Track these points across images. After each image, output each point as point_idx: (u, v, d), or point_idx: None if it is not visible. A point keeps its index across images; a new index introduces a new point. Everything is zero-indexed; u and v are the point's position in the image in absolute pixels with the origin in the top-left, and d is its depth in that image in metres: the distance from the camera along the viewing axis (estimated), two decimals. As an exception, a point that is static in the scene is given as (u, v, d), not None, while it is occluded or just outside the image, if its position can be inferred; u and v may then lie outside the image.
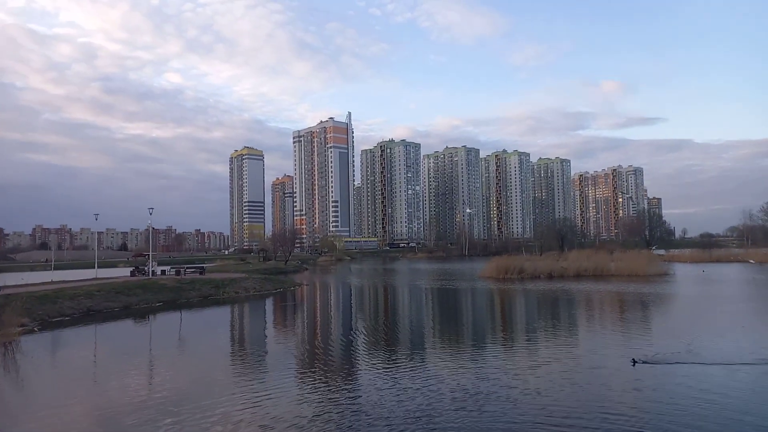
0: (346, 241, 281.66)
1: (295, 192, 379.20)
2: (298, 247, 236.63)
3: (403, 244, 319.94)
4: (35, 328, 42.86)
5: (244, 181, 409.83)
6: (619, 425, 17.85)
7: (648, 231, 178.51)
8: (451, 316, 50.67)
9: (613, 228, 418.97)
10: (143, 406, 21.45)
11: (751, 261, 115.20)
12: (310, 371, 27.54)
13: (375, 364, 28.96)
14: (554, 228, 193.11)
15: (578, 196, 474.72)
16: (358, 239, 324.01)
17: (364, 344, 36.44)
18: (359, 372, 27.64)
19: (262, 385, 24.92)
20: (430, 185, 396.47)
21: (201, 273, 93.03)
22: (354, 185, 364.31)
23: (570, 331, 39.07)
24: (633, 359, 25.83)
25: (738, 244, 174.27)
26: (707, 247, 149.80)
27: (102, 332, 45.91)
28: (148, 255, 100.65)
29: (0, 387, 26.78)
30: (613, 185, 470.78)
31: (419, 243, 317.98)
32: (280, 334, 42.73)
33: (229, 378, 27.07)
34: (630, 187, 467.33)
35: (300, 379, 26.22)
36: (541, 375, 25.02)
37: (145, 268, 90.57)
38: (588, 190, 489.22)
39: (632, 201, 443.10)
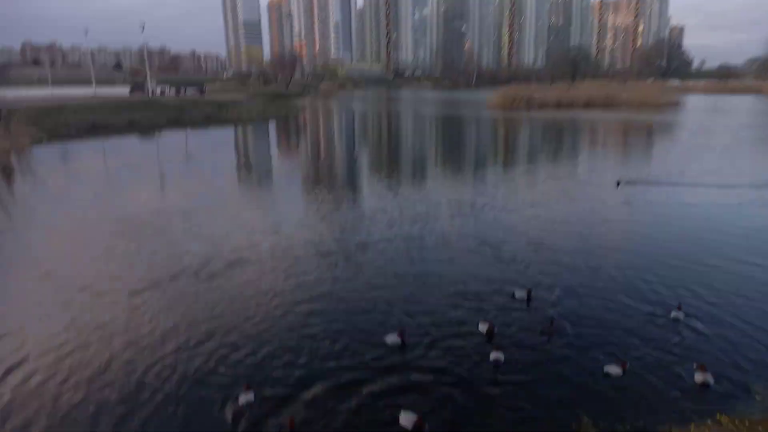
0: (348, 68, 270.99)
1: (293, 13, 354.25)
2: (298, 72, 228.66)
3: (408, 73, 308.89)
4: (44, 140, 43.52)
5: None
6: (592, 234, 18.92)
7: (666, 61, 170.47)
8: (454, 143, 50.80)
9: (630, 59, 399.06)
10: (158, 213, 22.40)
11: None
12: (316, 187, 28.32)
13: (378, 182, 29.73)
14: (568, 56, 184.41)
15: (596, 24, 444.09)
16: (362, 66, 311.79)
17: (367, 166, 37.06)
18: (362, 188, 28.48)
19: (270, 196, 25.84)
20: (438, 10, 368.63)
21: (201, 93, 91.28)
22: (356, 6, 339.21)
23: (566, 157, 39.45)
24: (617, 180, 26.40)
25: (756, 76, 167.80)
26: (724, 77, 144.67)
27: (110, 146, 46.50)
28: (146, 74, 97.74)
29: (21, 192, 27.74)
30: (635, 11, 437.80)
31: (425, 72, 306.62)
32: (286, 155, 43.29)
33: (237, 191, 27.98)
34: (653, 15, 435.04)
35: (305, 192, 27.14)
36: (534, 192, 25.91)
37: (145, 86, 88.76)
38: (608, 16, 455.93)
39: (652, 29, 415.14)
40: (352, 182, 30.95)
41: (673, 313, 12.09)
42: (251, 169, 35.47)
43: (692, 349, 10.71)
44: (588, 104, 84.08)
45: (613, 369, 9.72)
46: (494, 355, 10.24)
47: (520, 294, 13.19)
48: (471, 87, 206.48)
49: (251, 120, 68.08)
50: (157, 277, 14.97)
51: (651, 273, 14.84)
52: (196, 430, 8.53)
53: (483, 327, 11.36)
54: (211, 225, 20.37)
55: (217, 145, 49.19)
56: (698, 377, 9.47)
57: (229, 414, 8.81)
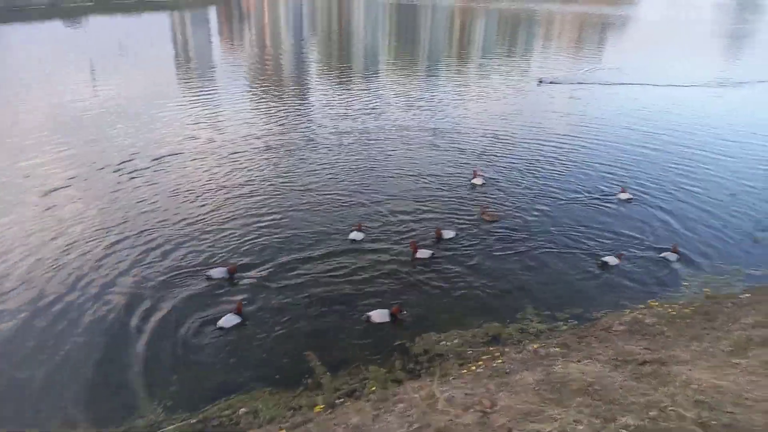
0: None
1: None
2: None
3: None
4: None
5: None
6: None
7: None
8: (409, 34, 48.82)
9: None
10: (94, 109, 21.00)
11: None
12: (261, 80, 26.95)
13: (328, 75, 28.63)
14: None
15: None
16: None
17: (317, 58, 35.41)
18: (311, 81, 27.40)
19: (212, 90, 24.46)
20: None
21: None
22: None
23: (516, 53, 38.94)
24: (539, 79, 26.50)
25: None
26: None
27: (33, 33, 42.11)
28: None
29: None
30: None
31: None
32: (228, 47, 40.52)
33: (176, 84, 26.30)
34: None
35: (250, 91, 25.62)
36: (471, 89, 25.94)
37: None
38: None
39: None
40: (301, 75, 29.69)
41: (622, 196, 13.40)
42: (190, 61, 33.21)
43: (629, 236, 11.58)
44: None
45: (611, 259, 10.63)
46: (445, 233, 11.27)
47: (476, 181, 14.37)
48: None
49: (188, 5, 62.61)
50: (86, 172, 14.52)
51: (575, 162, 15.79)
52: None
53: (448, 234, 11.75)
54: (147, 119, 19.56)
55: (152, 34, 45.36)
56: (671, 256, 10.77)
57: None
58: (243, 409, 7.02)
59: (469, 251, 11.06)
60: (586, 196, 13.77)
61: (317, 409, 6.63)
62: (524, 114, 21.48)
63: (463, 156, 16.67)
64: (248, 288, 9.69)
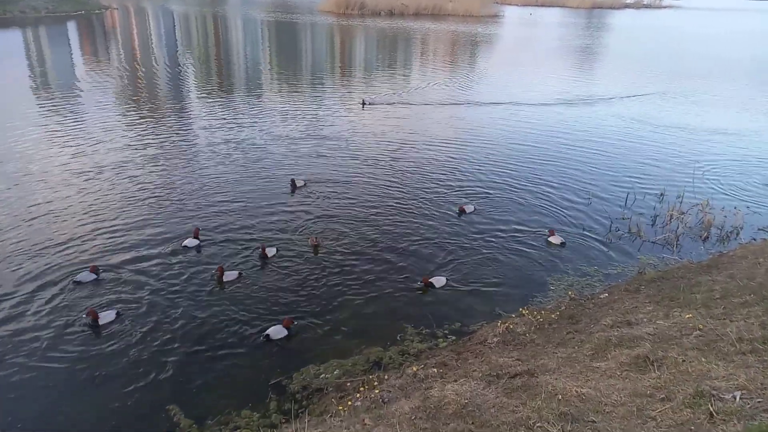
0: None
1: None
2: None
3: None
4: None
5: None
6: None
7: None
8: (289, 54, 48.25)
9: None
10: None
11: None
12: (132, 108, 24.92)
13: (206, 100, 27.27)
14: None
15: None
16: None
17: (192, 76, 33.69)
18: (184, 102, 25.92)
19: (77, 122, 22.11)
20: None
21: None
22: None
23: (381, 72, 40.14)
24: (363, 101, 25.86)
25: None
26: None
27: None
28: None
29: None
30: None
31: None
32: (93, 67, 37.07)
33: (36, 112, 23.42)
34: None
35: (121, 115, 23.55)
36: (326, 113, 26.16)
37: None
38: None
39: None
40: (175, 91, 28.07)
41: (469, 207, 13.89)
42: (52, 88, 29.82)
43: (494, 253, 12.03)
44: (417, 13, 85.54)
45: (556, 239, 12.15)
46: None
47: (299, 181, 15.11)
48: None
49: (42, 20, 57.02)
50: None
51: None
52: None
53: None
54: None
55: (2, 53, 40.47)
56: (554, 239, 12.18)
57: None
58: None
59: (337, 272, 10.82)
60: (426, 208, 14.13)
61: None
62: (347, 133, 21.22)
63: (283, 170, 16.73)
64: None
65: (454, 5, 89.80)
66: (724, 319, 7.43)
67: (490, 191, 15.53)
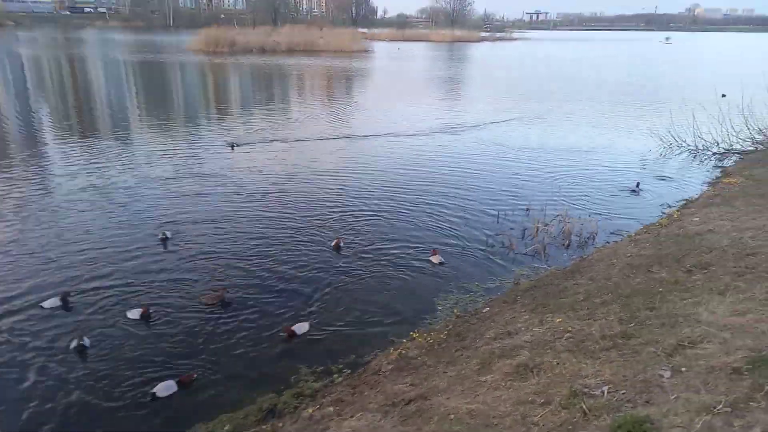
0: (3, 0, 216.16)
1: None
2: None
3: (89, 8, 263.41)
4: None
5: None
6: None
7: (354, 8, 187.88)
8: (157, 94, 46.10)
9: (324, 4, 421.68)
10: None
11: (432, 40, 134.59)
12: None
13: (65, 145, 25.09)
14: (268, 0, 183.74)
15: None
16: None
17: (48, 125, 30.80)
18: (43, 154, 23.63)
19: None
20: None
21: None
22: None
23: (261, 110, 40.10)
24: (232, 144, 24.88)
25: (425, 25, 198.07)
26: (402, 27, 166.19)
27: None
28: None
29: None
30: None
31: (111, 9, 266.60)
32: None
33: None
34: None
35: None
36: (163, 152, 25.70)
37: None
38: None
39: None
40: (28, 142, 25.47)
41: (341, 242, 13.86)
42: None
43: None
44: (290, 50, 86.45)
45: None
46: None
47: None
48: (168, 28, 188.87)
49: None
50: None
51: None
52: None
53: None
54: None
55: None
56: (435, 259, 12.83)
57: None
58: None
59: (217, 317, 10.37)
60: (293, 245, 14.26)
61: None
62: (221, 171, 20.71)
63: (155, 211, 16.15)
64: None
65: (325, 41, 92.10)
66: (589, 319, 8.18)
67: (368, 219, 15.84)
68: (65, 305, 10.58)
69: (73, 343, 9.21)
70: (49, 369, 8.78)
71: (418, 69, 70.80)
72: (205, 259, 13.03)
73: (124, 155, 23.20)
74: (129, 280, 11.81)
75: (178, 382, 8.30)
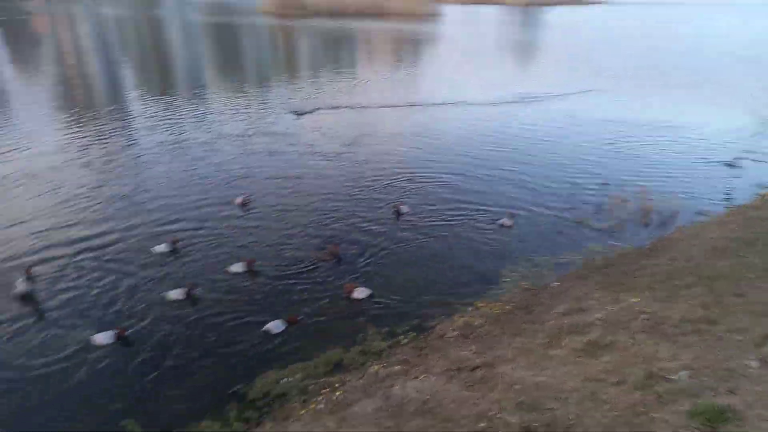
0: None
1: None
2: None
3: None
4: None
5: None
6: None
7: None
8: (230, 57, 47.24)
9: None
10: None
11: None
12: (70, 117, 23.69)
13: (147, 105, 26.33)
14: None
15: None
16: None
17: (130, 80, 32.45)
18: (129, 113, 24.92)
19: (13, 131, 20.84)
20: None
21: None
22: None
23: (330, 73, 40.07)
24: (297, 112, 24.50)
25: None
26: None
27: None
28: None
29: None
30: None
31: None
32: (23, 74, 35.19)
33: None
34: None
35: (59, 126, 22.29)
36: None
37: None
38: None
39: None
40: (114, 96, 26.98)
41: (402, 208, 13.69)
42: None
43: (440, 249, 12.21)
44: (359, 12, 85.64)
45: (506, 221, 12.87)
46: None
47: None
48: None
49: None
50: None
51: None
52: None
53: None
54: None
55: None
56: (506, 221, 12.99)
57: None
58: None
59: (291, 275, 10.70)
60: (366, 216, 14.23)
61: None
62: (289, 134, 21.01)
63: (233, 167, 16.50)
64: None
65: (394, 4, 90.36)
66: (668, 301, 7.82)
67: (434, 185, 15.77)
68: (174, 251, 11.40)
69: (179, 294, 9.86)
70: (167, 311, 9.50)
71: (490, 34, 68.34)
72: (276, 216, 13.48)
73: (198, 112, 24.16)
74: (218, 231, 12.48)
75: (286, 322, 8.98)
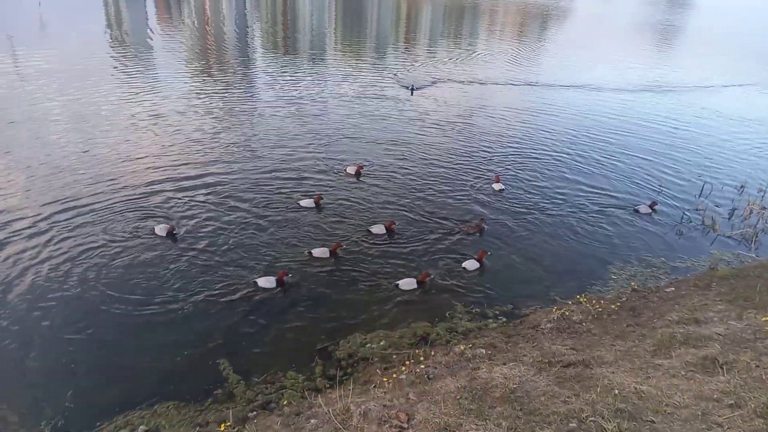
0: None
1: None
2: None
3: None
4: None
5: None
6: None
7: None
8: (354, 23, 47.88)
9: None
10: (16, 87, 19.38)
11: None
12: (203, 68, 25.48)
13: (271, 63, 27.56)
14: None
15: None
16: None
17: (260, 43, 34.06)
18: (253, 69, 26.24)
19: (149, 77, 22.90)
20: None
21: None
22: None
23: (442, 49, 39.04)
24: (411, 87, 23.50)
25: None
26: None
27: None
28: None
29: None
30: None
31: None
32: (167, 28, 38.28)
33: (111, 69, 24.40)
34: None
35: (192, 75, 24.18)
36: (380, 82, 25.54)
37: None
38: None
39: None
40: (243, 58, 28.50)
41: (495, 186, 13.38)
42: (124, 45, 31.01)
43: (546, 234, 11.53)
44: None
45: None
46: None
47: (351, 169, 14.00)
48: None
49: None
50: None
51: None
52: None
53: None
54: (87, 105, 18.19)
55: (75, 11, 42.31)
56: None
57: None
58: (142, 427, 6.34)
59: (391, 249, 10.68)
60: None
61: (223, 427, 6.05)
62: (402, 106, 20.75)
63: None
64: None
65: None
66: (807, 325, 6.80)
67: (547, 168, 14.98)
68: (318, 207, 11.95)
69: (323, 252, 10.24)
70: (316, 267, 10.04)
71: (627, 12, 62.99)
72: (385, 181, 13.57)
73: (315, 72, 24.94)
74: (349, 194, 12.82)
75: (417, 281, 9.31)
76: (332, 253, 10.09)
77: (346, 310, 8.72)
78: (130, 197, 11.87)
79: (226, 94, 20.47)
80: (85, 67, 23.45)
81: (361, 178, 13.68)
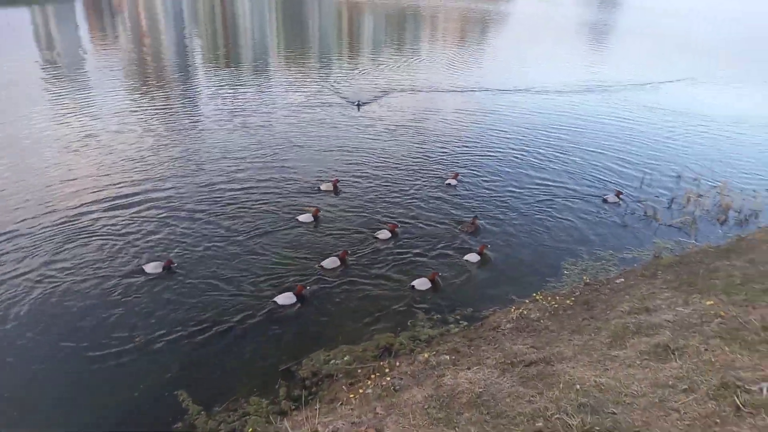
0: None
1: None
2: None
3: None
4: None
5: None
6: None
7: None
8: (296, 32, 47.60)
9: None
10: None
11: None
12: (141, 85, 24.62)
13: (211, 74, 26.98)
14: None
15: None
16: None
17: (200, 55, 33.29)
18: (196, 85, 25.60)
19: (83, 97, 21.91)
20: None
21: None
22: None
23: (386, 58, 39.53)
24: (358, 103, 22.94)
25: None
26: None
27: None
28: None
29: None
30: None
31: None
32: (101, 46, 36.75)
33: (41, 90, 23.20)
34: None
35: (129, 93, 23.28)
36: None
37: None
38: None
39: None
40: (182, 70, 27.77)
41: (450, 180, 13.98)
42: (59, 65, 29.50)
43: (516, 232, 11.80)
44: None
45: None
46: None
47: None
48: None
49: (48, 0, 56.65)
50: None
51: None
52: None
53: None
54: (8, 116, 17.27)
55: (9, 30, 40.20)
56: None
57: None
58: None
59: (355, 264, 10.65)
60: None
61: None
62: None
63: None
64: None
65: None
66: (747, 306, 7.19)
67: (493, 173, 15.32)
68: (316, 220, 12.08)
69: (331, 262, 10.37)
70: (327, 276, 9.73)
71: (566, 14, 65.48)
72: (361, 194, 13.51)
73: (259, 83, 24.67)
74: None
75: (430, 281, 9.62)
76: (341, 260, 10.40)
77: (307, 326, 8.60)
78: (61, 221, 11.35)
79: (164, 110, 19.88)
80: (10, 92, 22.22)
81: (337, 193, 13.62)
